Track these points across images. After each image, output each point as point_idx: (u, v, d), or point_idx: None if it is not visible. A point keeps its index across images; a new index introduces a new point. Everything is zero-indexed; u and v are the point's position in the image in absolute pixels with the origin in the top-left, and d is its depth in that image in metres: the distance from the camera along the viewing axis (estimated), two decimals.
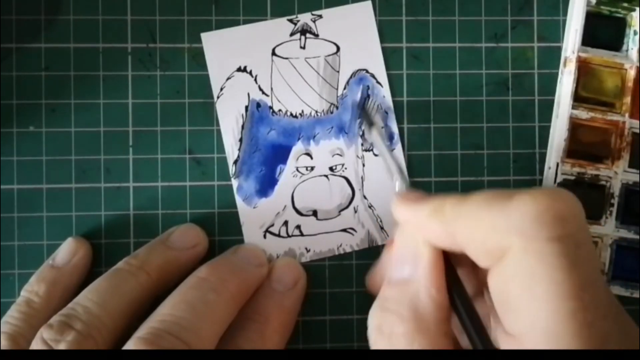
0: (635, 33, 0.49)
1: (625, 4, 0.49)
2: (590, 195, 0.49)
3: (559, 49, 0.50)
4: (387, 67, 0.49)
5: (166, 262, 0.45)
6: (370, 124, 0.47)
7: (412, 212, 0.40)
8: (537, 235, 0.33)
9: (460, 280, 0.40)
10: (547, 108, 0.50)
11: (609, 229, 0.49)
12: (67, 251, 0.47)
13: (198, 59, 0.48)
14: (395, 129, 0.49)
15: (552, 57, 0.50)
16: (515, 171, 0.50)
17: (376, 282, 0.44)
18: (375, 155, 0.49)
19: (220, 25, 0.48)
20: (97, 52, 0.48)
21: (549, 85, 0.50)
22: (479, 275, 0.40)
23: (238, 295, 0.44)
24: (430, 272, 0.38)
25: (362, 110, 0.48)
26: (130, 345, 0.39)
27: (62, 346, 0.39)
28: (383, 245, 0.48)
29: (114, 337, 0.42)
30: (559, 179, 0.48)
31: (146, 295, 0.44)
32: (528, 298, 0.33)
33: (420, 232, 0.39)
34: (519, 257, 0.34)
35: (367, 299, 0.48)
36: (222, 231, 0.48)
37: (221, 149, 0.48)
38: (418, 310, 0.38)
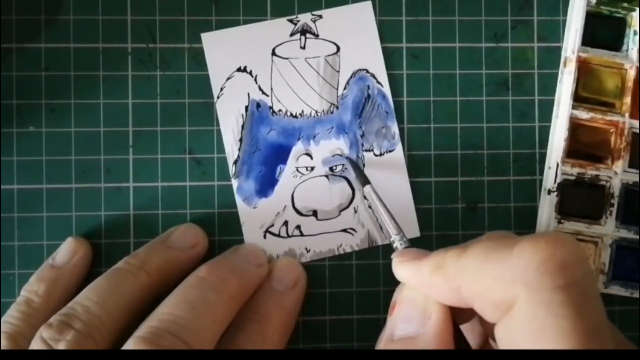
0: (635, 33, 0.49)
1: (625, 4, 0.49)
2: (590, 195, 0.49)
3: (559, 49, 0.50)
4: (387, 67, 0.49)
5: (166, 261, 0.45)
6: (364, 182, 0.47)
7: (413, 271, 0.40)
8: (542, 285, 0.33)
9: (464, 337, 0.40)
10: (547, 108, 0.50)
11: (609, 228, 0.49)
12: (67, 251, 0.47)
13: (198, 59, 0.48)
14: (395, 129, 0.49)
15: (552, 57, 0.50)
16: (515, 171, 0.50)
17: None
18: (376, 155, 0.49)
19: (220, 25, 0.48)
20: (97, 52, 0.48)
21: (549, 85, 0.50)
22: (484, 327, 0.40)
23: (238, 295, 0.44)
24: (440, 333, 0.38)
25: (356, 169, 0.48)
26: (130, 344, 0.39)
27: (61, 346, 0.39)
28: (383, 246, 0.49)
29: (113, 336, 0.42)
30: (559, 179, 0.48)
31: (146, 295, 0.44)
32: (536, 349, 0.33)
33: (423, 290, 0.39)
34: (526, 308, 0.33)
35: (367, 299, 0.49)
36: (222, 231, 0.48)
37: (221, 149, 0.48)
38: None
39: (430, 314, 0.38)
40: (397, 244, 0.43)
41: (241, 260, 0.46)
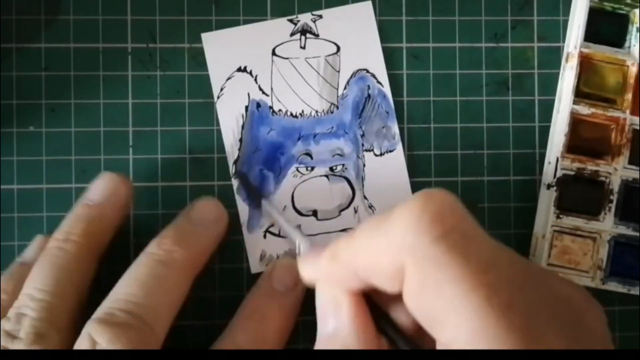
0: (637, 30, 0.49)
1: (628, 1, 0.49)
2: (589, 191, 0.49)
3: (559, 48, 0.50)
4: (387, 67, 0.49)
5: (90, 223, 0.45)
6: (259, 197, 0.47)
7: (313, 267, 0.41)
8: (422, 242, 0.33)
9: (386, 314, 0.40)
10: (547, 108, 0.50)
11: (608, 225, 0.49)
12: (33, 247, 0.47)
13: (198, 59, 0.48)
14: (395, 129, 0.49)
15: (552, 57, 0.50)
16: (515, 171, 0.50)
17: None
18: (376, 155, 0.49)
19: (220, 25, 0.48)
20: (97, 52, 0.48)
21: (549, 85, 0.50)
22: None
23: (189, 264, 0.44)
24: (354, 318, 0.39)
25: (246, 186, 0.48)
26: (89, 327, 0.39)
27: (22, 334, 0.39)
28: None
29: (68, 313, 0.42)
30: (558, 174, 0.48)
31: (83, 263, 0.44)
32: (441, 305, 0.33)
33: (329, 283, 0.40)
34: (415, 271, 0.34)
35: None
36: None
37: (221, 149, 0.48)
38: None
39: (340, 305, 0.39)
40: (302, 248, 0.45)
41: (191, 225, 0.46)
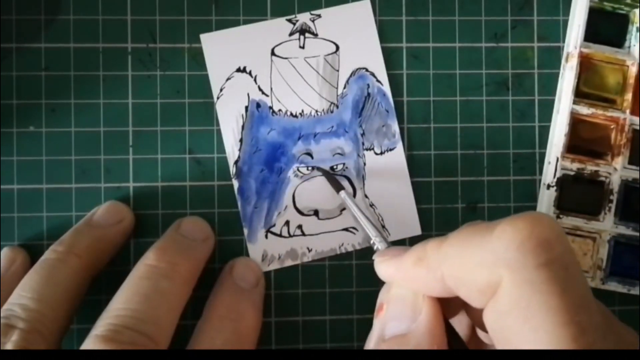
0: (637, 30, 0.49)
1: (628, 1, 0.49)
2: (589, 191, 0.49)
3: (559, 48, 0.50)
4: (387, 67, 0.49)
5: (94, 241, 0.45)
6: (338, 188, 0.47)
7: (396, 267, 0.40)
8: (525, 264, 0.33)
9: (454, 330, 0.40)
10: (547, 108, 0.50)
11: (608, 225, 0.49)
12: (5, 259, 0.47)
13: (198, 59, 0.48)
14: (395, 127, 0.49)
15: (552, 57, 0.50)
16: (515, 171, 0.50)
17: None
18: (377, 154, 0.49)
19: (220, 25, 0.48)
20: (97, 52, 0.48)
21: (549, 85, 0.50)
22: (472, 317, 0.40)
23: (190, 277, 0.44)
24: (433, 325, 0.38)
25: (328, 176, 0.48)
26: (89, 344, 0.39)
27: (9, 346, 0.39)
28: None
29: (58, 325, 0.42)
30: (558, 174, 0.48)
31: (81, 278, 0.44)
32: (527, 330, 0.33)
33: (408, 285, 0.39)
34: (510, 290, 0.33)
35: (367, 299, 0.49)
36: (222, 231, 0.48)
37: (221, 149, 0.48)
38: None
39: (420, 309, 0.38)
40: (378, 245, 0.44)
41: (187, 238, 0.46)
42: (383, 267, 0.41)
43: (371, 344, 0.39)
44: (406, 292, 0.39)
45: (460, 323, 0.40)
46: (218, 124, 0.48)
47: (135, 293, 0.42)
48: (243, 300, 0.46)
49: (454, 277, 0.36)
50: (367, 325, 0.48)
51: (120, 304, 0.41)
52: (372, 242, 0.44)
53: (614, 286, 0.49)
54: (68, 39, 0.48)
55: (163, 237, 0.46)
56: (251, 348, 0.45)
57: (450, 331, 0.39)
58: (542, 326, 0.32)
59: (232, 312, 0.45)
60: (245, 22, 0.48)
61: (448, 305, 0.39)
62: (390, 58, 0.49)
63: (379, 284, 0.48)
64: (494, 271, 0.33)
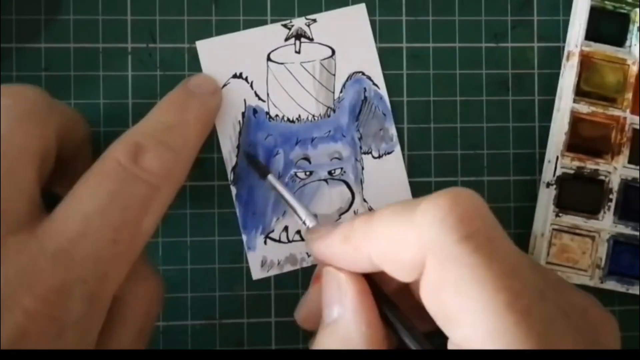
0: (638, 29, 0.49)
1: (630, 0, 0.49)
2: (588, 190, 0.49)
3: (559, 49, 0.50)
4: (387, 67, 0.49)
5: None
6: (264, 173, 0.47)
7: (324, 244, 0.41)
8: (447, 240, 0.33)
9: (389, 298, 0.40)
10: (547, 108, 0.50)
11: (607, 224, 0.49)
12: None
13: (198, 59, 0.48)
14: (393, 130, 0.49)
15: (552, 57, 0.50)
16: (515, 171, 0.50)
17: (305, 317, 0.45)
18: (375, 157, 0.49)
19: (220, 25, 0.48)
20: (97, 52, 0.48)
21: (549, 85, 0.50)
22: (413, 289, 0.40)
23: (201, 126, 0.44)
24: (358, 308, 0.38)
25: (251, 161, 0.48)
26: (117, 146, 0.39)
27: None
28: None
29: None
30: (558, 173, 0.48)
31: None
32: (460, 303, 0.34)
33: (336, 262, 0.40)
34: (437, 267, 0.34)
35: None
36: (222, 231, 0.48)
37: (221, 149, 0.48)
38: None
39: (345, 291, 0.39)
40: (309, 224, 0.44)
41: (196, 92, 0.45)
42: (312, 244, 0.42)
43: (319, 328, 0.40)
44: (332, 275, 0.40)
45: (410, 300, 0.40)
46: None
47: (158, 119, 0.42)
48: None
49: (379, 256, 0.37)
50: None
51: (141, 123, 0.42)
52: (303, 221, 0.44)
53: (612, 285, 0.49)
54: (68, 39, 0.48)
55: (172, 91, 0.45)
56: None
57: (391, 307, 0.40)
58: (474, 298, 0.33)
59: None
60: (245, 22, 0.48)
61: (394, 283, 0.39)
62: (390, 58, 0.49)
63: None
64: (418, 250, 0.34)
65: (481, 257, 0.33)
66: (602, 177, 0.49)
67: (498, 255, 0.34)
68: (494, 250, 0.34)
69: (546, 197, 0.49)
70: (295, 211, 0.45)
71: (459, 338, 0.34)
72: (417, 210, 0.35)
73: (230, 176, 0.48)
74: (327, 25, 0.49)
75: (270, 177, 0.47)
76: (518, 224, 0.50)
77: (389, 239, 0.36)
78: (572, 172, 0.49)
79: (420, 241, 0.34)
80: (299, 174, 0.48)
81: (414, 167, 0.49)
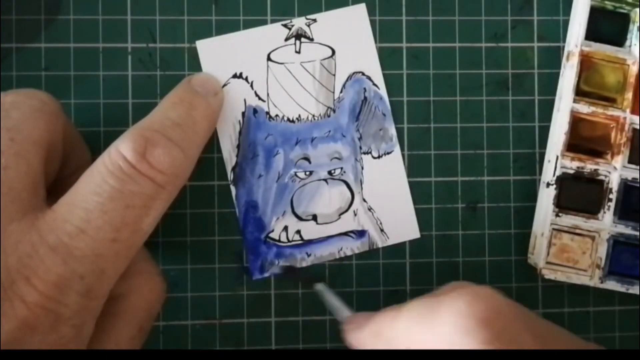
0: (638, 29, 0.49)
1: (630, 0, 0.49)
2: (588, 190, 0.49)
3: (559, 48, 0.50)
4: (387, 67, 0.49)
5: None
6: (313, 282, 0.47)
7: (358, 338, 0.41)
8: (469, 346, 0.34)
9: None
10: (547, 108, 0.50)
11: (607, 223, 0.49)
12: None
13: (198, 59, 0.48)
14: (393, 131, 0.49)
15: (552, 57, 0.50)
16: (515, 171, 0.50)
17: None
18: (374, 157, 0.49)
19: (220, 25, 0.48)
20: (97, 52, 0.48)
21: (549, 85, 0.50)
22: None
23: (207, 124, 0.44)
24: None
25: (294, 273, 0.49)
26: (126, 137, 0.39)
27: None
28: (383, 248, 0.49)
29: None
30: (558, 172, 0.48)
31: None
32: None
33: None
34: None
35: (367, 299, 0.49)
36: (222, 231, 0.48)
37: (221, 149, 0.48)
38: None
39: None
40: (345, 314, 0.45)
41: (199, 90, 0.45)
42: (349, 336, 0.43)
43: None
44: None
45: None
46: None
47: (165, 115, 0.42)
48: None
49: None
50: None
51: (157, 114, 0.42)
52: (339, 314, 0.45)
53: (612, 285, 0.49)
54: (68, 39, 0.48)
55: (175, 89, 0.45)
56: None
57: None
58: None
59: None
60: (245, 22, 0.48)
61: None
62: (390, 58, 0.49)
63: (379, 284, 0.48)
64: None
65: None
66: (602, 177, 0.49)
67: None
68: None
69: (546, 197, 0.49)
70: (339, 315, 0.45)
71: None
72: (437, 315, 0.35)
73: (230, 176, 0.48)
74: (327, 25, 0.49)
75: (319, 286, 0.47)
76: (518, 224, 0.50)
77: (414, 340, 0.37)
78: (572, 172, 0.49)
79: (442, 345, 0.35)
80: (299, 174, 0.48)
81: (413, 167, 0.49)
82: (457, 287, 0.40)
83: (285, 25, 0.49)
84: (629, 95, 0.49)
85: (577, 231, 0.49)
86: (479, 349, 0.33)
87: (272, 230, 0.49)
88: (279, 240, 0.49)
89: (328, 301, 0.46)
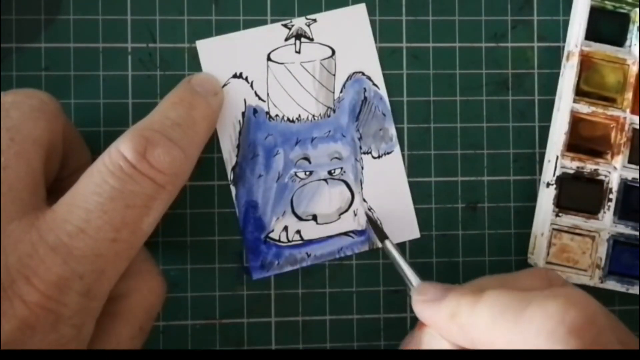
0: (638, 29, 0.49)
1: (630, 0, 0.49)
2: (588, 190, 0.49)
3: (559, 48, 0.50)
4: (387, 67, 0.49)
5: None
6: (383, 237, 0.47)
7: (431, 315, 0.40)
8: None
9: None
10: (547, 108, 0.50)
11: (607, 223, 0.49)
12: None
13: (198, 59, 0.48)
14: (393, 131, 0.49)
15: (552, 57, 0.50)
16: (515, 171, 0.50)
17: None
18: (374, 157, 0.49)
19: (220, 25, 0.48)
20: (97, 52, 0.48)
21: (549, 85, 0.50)
22: None
23: (207, 124, 0.44)
24: None
25: (373, 225, 0.48)
26: (127, 136, 0.39)
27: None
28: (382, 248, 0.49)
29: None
30: (558, 172, 0.48)
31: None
32: None
33: (441, 333, 0.40)
34: None
35: (367, 299, 0.49)
36: (222, 231, 0.48)
37: (221, 149, 0.48)
38: None
39: None
40: (415, 283, 0.44)
41: (199, 90, 0.45)
42: (420, 309, 0.41)
43: None
44: (436, 343, 0.40)
45: None
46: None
47: (165, 115, 0.42)
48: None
49: (483, 344, 0.36)
50: (367, 326, 0.49)
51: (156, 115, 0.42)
52: (409, 281, 0.44)
53: (612, 285, 0.49)
54: (68, 39, 0.48)
55: (175, 89, 0.45)
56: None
57: None
58: None
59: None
60: (245, 22, 0.48)
61: None
62: (390, 58, 0.49)
63: (379, 284, 0.48)
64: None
65: None
66: (602, 177, 0.49)
67: None
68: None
69: (546, 197, 0.49)
70: (404, 273, 0.45)
71: None
72: (524, 313, 0.34)
73: (230, 176, 0.48)
74: (327, 25, 0.49)
75: (387, 242, 0.47)
76: (518, 224, 0.50)
77: (494, 333, 0.35)
78: (572, 172, 0.49)
79: (524, 346, 0.34)
80: (299, 174, 0.48)
81: (413, 167, 0.49)
82: (541, 275, 0.40)
83: (285, 25, 0.49)
84: (629, 95, 0.49)
85: (577, 231, 0.49)
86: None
87: (272, 230, 0.48)
88: (279, 240, 0.48)
89: (396, 262, 0.46)
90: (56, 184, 0.42)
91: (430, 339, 0.40)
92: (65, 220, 0.36)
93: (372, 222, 0.49)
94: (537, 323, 0.33)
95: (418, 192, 0.49)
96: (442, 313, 0.39)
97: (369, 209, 0.49)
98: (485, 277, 0.43)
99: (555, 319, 0.33)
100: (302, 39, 0.49)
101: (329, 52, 0.49)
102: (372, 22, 0.49)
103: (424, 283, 0.43)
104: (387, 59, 0.49)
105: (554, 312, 0.33)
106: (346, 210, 0.49)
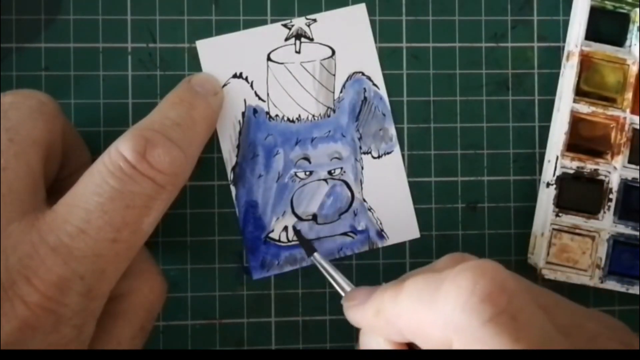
0: (638, 29, 0.49)
1: (630, 0, 0.49)
2: (588, 190, 0.49)
3: (559, 48, 0.50)
4: (387, 67, 0.49)
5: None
6: (311, 251, 0.47)
7: (361, 317, 0.41)
8: (471, 324, 0.33)
9: None
10: (547, 108, 0.50)
11: (607, 223, 0.49)
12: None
13: (198, 59, 0.48)
14: (393, 131, 0.49)
15: (552, 57, 0.50)
16: (515, 171, 0.50)
17: None
18: (374, 157, 0.49)
19: (220, 25, 0.48)
20: (97, 52, 0.48)
21: (549, 85, 0.50)
22: None
23: (207, 124, 0.44)
24: None
25: (301, 239, 0.48)
26: (127, 136, 0.39)
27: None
28: (383, 248, 0.49)
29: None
30: (558, 172, 0.48)
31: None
32: None
33: (372, 332, 0.40)
34: (464, 346, 0.33)
35: None
36: (222, 231, 0.48)
37: (221, 149, 0.48)
38: None
39: None
40: (346, 289, 0.45)
41: (200, 90, 0.45)
42: (349, 313, 0.42)
43: None
44: (372, 339, 0.41)
45: None
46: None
47: (165, 115, 0.42)
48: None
49: (409, 332, 0.37)
50: None
51: (154, 117, 0.42)
52: (341, 289, 0.45)
53: (612, 285, 0.49)
54: (68, 39, 0.48)
55: (175, 89, 0.45)
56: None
57: None
58: None
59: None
60: (245, 22, 0.48)
61: None
62: (390, 58, 0.49)
63: (378, 284, 0.48)
64: (443, 332, 0.34)
65: (506, 338, 0.32)
66: (602, 177, 0.49)
67: (523, 333, 0.33)
68: (519, 328, 0.33)
69: (546, 197, 0.49)
70: (337, 287, 0.45)
71: None
72: (439, 292, 0.34)
73: (230, 176, 0.48)
74: (327, 25, 0.49)
75: (315, 254, 0.47)
76: (518, 224, 0.50)
77: (416, 317, 0.36)
78: (572, 172, 0.49)
79: (445, 323, 0.34)
80: (299, 174, 0.48)
81: (413, 167, 0.49)
82: (456, 258, 0.40)
83: (285, 25, 0.49)
84: (629, 95, 0.49)
85: (577, 231, 0.49)
86: (478, 328, 0.32)
87: (272, 230, 0.49)
88: (279, 240, 0.49)
89: (326, 273, 0.46)
90: (56, 184, 0.42)
91: (370, 340, 0.41)
92: (65, 220, 0.36)
93: (299, 236, 0.48)
94: (451, 298, 0.34)
95: (418, 192, 0.49)
96: (368, 313, 0.40)
97: (369, 209, 0.49)
98: (410, 272, 0.44)
99: (467, 290, 0.33)
100: (302, 39, 0.49)
101: (329, 52, 0.49)
102: (372, 22, 0.49)
103: (352, 289, 0.44)
104: (387, 59, 0.49)
105: (464, 284, 0.33)
106: (346, 210, 0.49)
